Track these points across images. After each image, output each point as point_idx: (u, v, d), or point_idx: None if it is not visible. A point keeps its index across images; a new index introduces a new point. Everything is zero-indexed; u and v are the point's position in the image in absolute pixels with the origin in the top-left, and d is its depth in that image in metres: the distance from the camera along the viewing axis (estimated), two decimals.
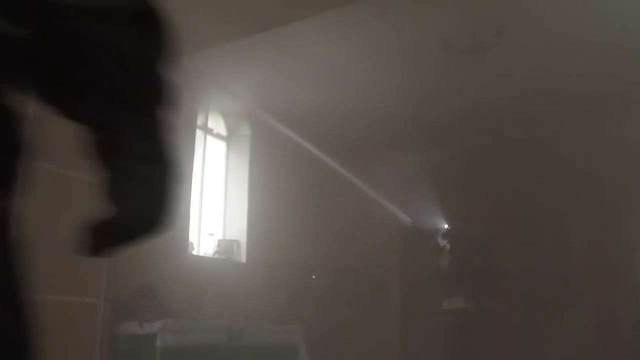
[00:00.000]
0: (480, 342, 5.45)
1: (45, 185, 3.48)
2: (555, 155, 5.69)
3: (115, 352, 3.73)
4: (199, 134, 5.64)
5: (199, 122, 5.68)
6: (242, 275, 5.56)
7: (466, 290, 5.37)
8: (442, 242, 5.71)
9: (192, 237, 5.31)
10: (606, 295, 5.57)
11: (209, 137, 5.91)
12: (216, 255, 5.52)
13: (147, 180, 0.72)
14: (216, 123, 6.04)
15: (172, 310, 4.22)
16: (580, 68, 4.98)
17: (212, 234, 5.64)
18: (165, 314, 4.01)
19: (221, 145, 6.10)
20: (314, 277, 6.43)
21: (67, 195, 3.58)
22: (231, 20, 3.65)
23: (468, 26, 4.51)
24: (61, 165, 3.57)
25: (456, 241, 5.56)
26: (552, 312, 5.53)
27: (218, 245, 5.60)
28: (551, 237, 5.77)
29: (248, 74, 5.26)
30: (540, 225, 5.75)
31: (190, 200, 5.19)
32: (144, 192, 0.72)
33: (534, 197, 5.84)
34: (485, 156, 6.17)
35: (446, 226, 5.84)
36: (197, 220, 5.52)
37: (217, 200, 5.91)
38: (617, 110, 5.50)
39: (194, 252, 5.32)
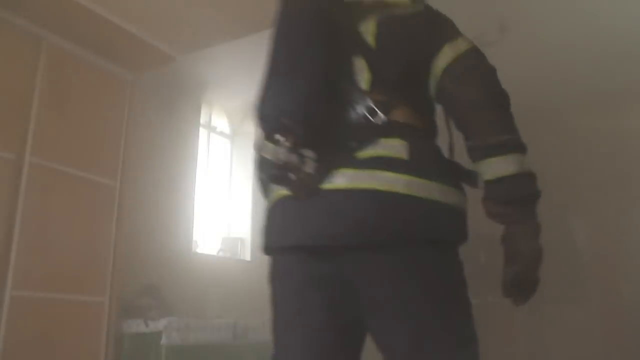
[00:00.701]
0: (487, 339, 5.43)
1: (55, 185, 3.49)
2: (559, 151, 5.67)
3: (121, 350, 3.74)
4: (202, 131, 5.65)
5: (203, 120, 5.68)
6: (247, 273, 5.56)
7: (471, 287, 5.34)
8: None
9: (197, 235, 5.31)
10: (611, 292, 5.56)
11: (212, 135, 5.91)
12: (220, 253, 5.53)
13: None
14: (220, 121, 6.05)
15: (177, 308, 4.23)
16: (583, 63, 4.98)
17: (216, 232, 5.65)
18: (170, 312, 4.02)
19: (225, 143, 6.10)
20: None
21: (77, 195, 3.59)
22: (236, 18, 3.64)
23: (471, 21, 4.50)
24: (72, 166, 3.58)
25: None
26: (557, 309, 5.52)
27: (222, 243, 5.61)
28: (555, 234, 5.75)
29: (251, 71, 5.25)
30: (543, 222, 5.73)
31: (194, 198, 5.20)
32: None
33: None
34: None
35: None
36: (202, 218, 5.52)
37: (221, 198, 5.91)
38: (622, 105, 5.49)
39: (199, 250, 5.32)
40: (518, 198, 1.30)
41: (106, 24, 3.49)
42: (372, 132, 1.26)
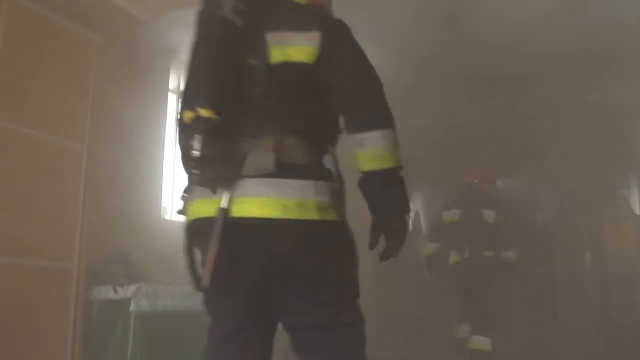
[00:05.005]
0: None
1: (20, 149, 3.40)
2: (529, 119, 5.74)
3: (89, 317, 3.72)
4: (171, 96, 5.55)
5: (172, 85, 5.58)
6: None
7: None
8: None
9: (165, 201, 5.26)
10: (574, 256, 5.73)
11: None
12: None
13: None
14: None
15: (146, 275, 4.21)
16: (554, 34, 5.02)
17: None
18: (139, 279, 4.00)
19: None
20: None
21: (43, 159, 3.50)
22: None
23: None
24: (37, 129, 3.48)
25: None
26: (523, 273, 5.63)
27: None
28: (524, 203, 5.87)
29: None
30: (512, 190, 5.84)
31: (163, 164, 5.13)
32: None
33: (508, 161, 5.93)
34: (462, 119, 6.19)
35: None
36: (171, 185, 5.46)
37: None
38: (590, 76, 5.56)
39: (167, 217, 5.28)
40: None
41: None
42: None
